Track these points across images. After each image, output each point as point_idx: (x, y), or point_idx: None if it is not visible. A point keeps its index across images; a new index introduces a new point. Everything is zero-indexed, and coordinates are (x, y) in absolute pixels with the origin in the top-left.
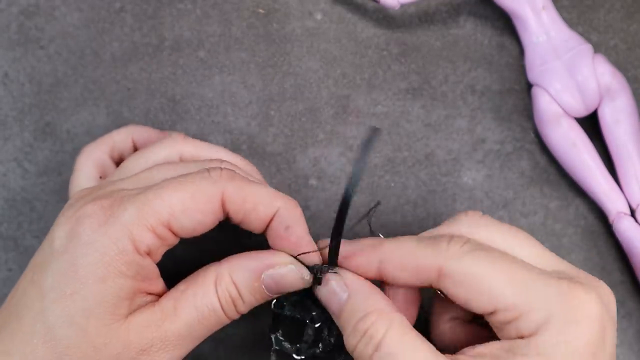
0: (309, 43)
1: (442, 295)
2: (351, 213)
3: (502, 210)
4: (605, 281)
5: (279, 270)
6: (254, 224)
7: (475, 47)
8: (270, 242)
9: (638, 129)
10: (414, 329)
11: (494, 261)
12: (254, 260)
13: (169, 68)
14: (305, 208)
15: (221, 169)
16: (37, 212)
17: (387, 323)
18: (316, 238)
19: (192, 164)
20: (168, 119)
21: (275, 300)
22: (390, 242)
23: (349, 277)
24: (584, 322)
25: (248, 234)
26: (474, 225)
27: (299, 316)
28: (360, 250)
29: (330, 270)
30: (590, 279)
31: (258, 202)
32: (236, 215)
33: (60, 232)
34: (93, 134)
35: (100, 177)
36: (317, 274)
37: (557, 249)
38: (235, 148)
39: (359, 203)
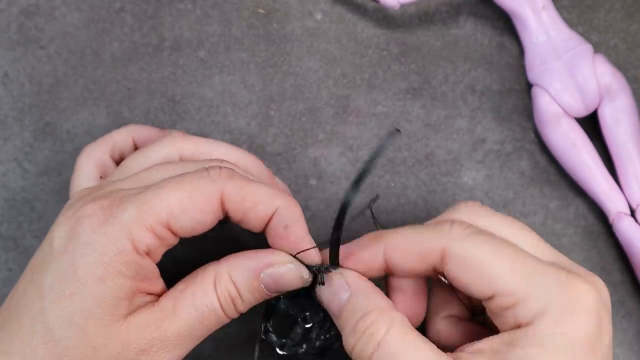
0: (309, 43)
1: (444, 281)
2: (352, 212)
3: (502, 210)
4: (605, 281)
5: (278, 269)
6: (253, 222)
7: (475, 47)
8: (270, 241)
9: (638, 129)
10: (414, 329)
11: (496, 246)
12: (253, 260)
13: (169, 68)
14: (305, 208)
15: (220, 167)
16: (37, 212)
17: (388, 322)
18: (316, 238)
19: (192, 163)
20: (168, 119)
21: None
22: (393, 231)
23: (350, 276)
24: (582, 313)
25: (248, 233)
26: (474, 214)
27: (292, 312)
28: (363, 245)
29: (332, 270)
30: (586, 272)
31: (257, 200)
32: (235, 214)
33: (59, 232)
34: (93, 134)
35: (101, 177)
36: (317, 273)
37: (557, 249)
38: None
39: (359, 202)
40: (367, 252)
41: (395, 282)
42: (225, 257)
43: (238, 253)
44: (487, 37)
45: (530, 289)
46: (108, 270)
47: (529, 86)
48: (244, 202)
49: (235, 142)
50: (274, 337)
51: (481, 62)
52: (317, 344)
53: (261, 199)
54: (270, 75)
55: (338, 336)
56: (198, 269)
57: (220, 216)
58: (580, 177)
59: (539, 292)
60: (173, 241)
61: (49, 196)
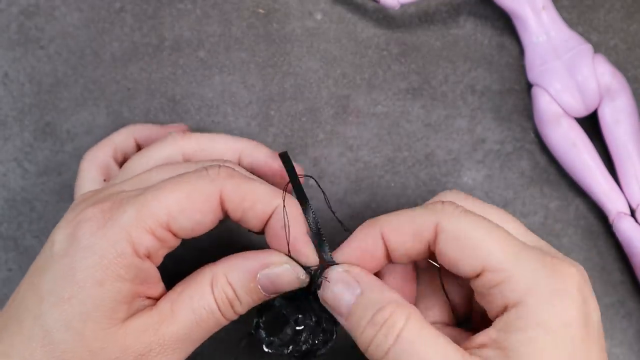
0: (309, 43)
1: (436, 265)
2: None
3: None
4: (605, 281)
5: (275, 269)
6: (252, 222)
7: (475, 47)
8: (268, 241)
9: (638, 129)
10: (428, 322)
11: (486, 226)
12: (250, 260)
13: (169, 68)
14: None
15: (219, 167)
16: (37, 212)
17: (405, 314)
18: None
19: (193, 163)
20: (168, 119)
21: None
22: (387, 214)
23: (358, 272)
24: (570, 294)
25: (251, 233)
26: (460, 200)
27: (285, 312)
28: (360, 235)
29: (332, 266)
30: (568, 259)
31: (256, 200)
32: (235, 214)
33: (60, 235)
34: (93, 134)
35: (105, 180)
36: (314, 273)
37: (557, 249)
38: None
39: (358, 202)
40: (366, 240)
41: (385, 268)
42: (222, 259)
43: (235, 254)
44: (487, 37)
45: (517, 268)
46: (107, 273)
47: (529, 86)
48: (243, 202)
49: None
50: (263, 334)
51: (481, 62)
52: (303, 347)
53: (260, 198)
54: (270, 75)
55: (325, 343)
56: (195, 271)
57: (220, 216)
58: (580, 177)
59: (526, 271)
60: (174, 243)
61: (49, 196)
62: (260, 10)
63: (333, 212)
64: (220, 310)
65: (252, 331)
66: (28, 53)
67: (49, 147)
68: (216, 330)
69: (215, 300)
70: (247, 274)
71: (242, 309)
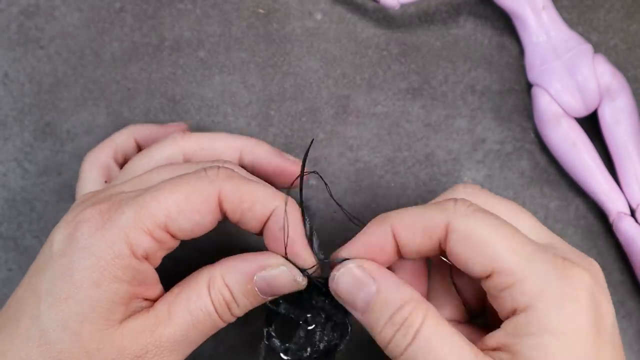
0: (309, 43)
1: (447, 261)
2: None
3: None
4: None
5: (271, 271)
6: (251, 223)
7: (475, 47)
8: (266, 243)
9: (638, 129)
10: (445, 319)
11: (497, 225)
12: (247, 262)
13: (169, 68)
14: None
15: (219, 167)
16: (37, 212)
17: (423, 312)
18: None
19: (194, 164)
20: (168, 119)
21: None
22: (398, 210)
23: (373, 268)
24: (580, 298)
25: (251, 235)
26: (473, 195)
27: (292, 316)
28: (370, 230)
29: (344, 261)
30: (582, 256)
31: (255, 201)
32: (233, 215)
33: (59, 236)
34: (93, 134)
35: (106, 181)
36: (310, 277)
37: None
38: None
39: (359, 202)
40: (376, 235)
41: (396, 263)
42: (220, 260)
43: (233, 256)
44: (487, 37)
45: (528, 271)
46: (104, 274)
47: (529, 86)
48: (241, 203)
49: None
50: (277, 342)
51: (481, 62)
52: (321, 346)
53: (258, 200)
54: (270, 75)
55: (342, 337)
56: (193, 273)
57: (219, 217)
58: (580, 177)
59: (536, 274)
60: (173, 244)
61: (49, 196)
62: (260, 10)
63: (340, 206)
64: (217, 312)
65: (266, 341)
66: (28, 53)
67: (49, 147)
68: (213, 332)
69: (212, 302)
70: (244, 275)
71: (239, 311)
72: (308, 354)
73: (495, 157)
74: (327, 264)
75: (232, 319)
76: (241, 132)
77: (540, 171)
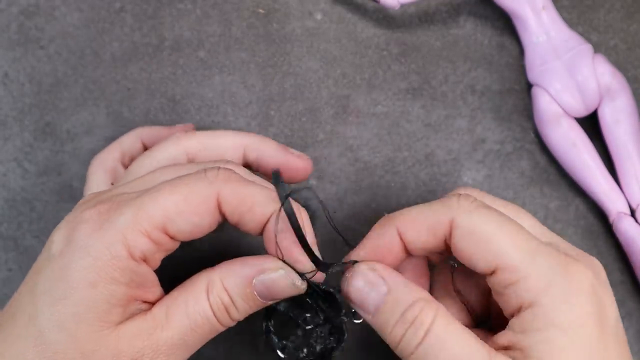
0: (309, 43)
1: (452, 264)
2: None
3: None
4: None
5: (270, 275)
6: (250, 225)
7: (475, 47)
8: (265, 246)
9: (638, 129)
10: (455, 318)
11: (501, 222)
12: (246, 266)
13: (169, 68)
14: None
15: (219, 168)
16: (37, 212)
17: (434, 310)
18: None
19: (195, 165)
20: (168, 119)
21: None
22: (402, 210)
23: (381, 269)
24: (582, 293)
25: (253, 238)
26: (477, 196)
27: (291, 315)
28: (375, 233)
29: (357, 263)
30: (584, 254)
31: (254, 203)
32: (232, 217)
33: (58, 236)
34: (93, 134)
35: (112, 184)
36: (309, 280)
37: None
38: None
39: (358, 202)
40: (383, 236)
41: (399, 270)
42: (219, 264)
43: (232, 259)
44: (487, 37)
45: (531, 267)
46: (100, 275)
47: (529, 86)
48: (240, 205)
49: None
50: (275, 339)
51: (481, 62)
52: (318, 348)
53: (257, 202)
54: (270, 75)
55: (339, 342)
56: (193, 276)
57: (218, 219)
58: (580, 177)
59: (540, 270)
60: (171, 246)
61: (49, 196)
62: (260, 10)
63: (335, 228)
64: (215, 316)
65: (265, 336)
66: (28, 53)
67: (49, 147)
68: (212, 336)
69: (211, 306)
70: (243, 279)
71: (238, 316)
72: (304, 354)
73: (495, 157)
74: (327, 267)
75: (232, 323)
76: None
77: (540, 171)
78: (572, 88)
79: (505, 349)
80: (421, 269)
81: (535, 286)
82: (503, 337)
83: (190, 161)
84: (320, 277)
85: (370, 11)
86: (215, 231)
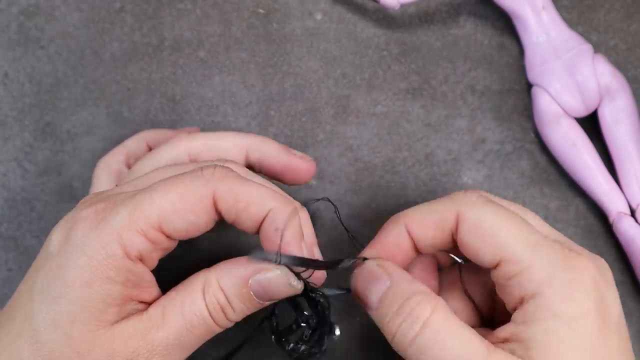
0: (309, 43)
1: (459, 261)
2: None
3: None
4: None
5: (265, 275)
6: (246, 224)
7: (475, 47)
8: (262, 245)
9: (638, 129)
10: (454, 314)
11: (506, 216)
12: (242, 266)
13: (169, 68)
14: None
15: (215, 166)
16: (37, 212)
17: (433, 304)
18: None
19: (193, 164)
20: (168, 119)
21: None
22: (410, 208)
23: (387, 265)
24: (585, 286)
25: (256, 239)
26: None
27: (294, 307)
28: (385, 231)
29: (367, 260)
30: (588, 252)
31: (250, 201)
32: (228, 215)
33: (56, 235)
34: (93, 134)
35: (116, 186)
36: (305, 280)
37: None
38: None
39: (359, 202)
40: (392, 234)
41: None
42: (216, 265)
43: (230, 260)
44: (487, 37)
45: (535, 259)
46: (96, 274)
47: (529, 86)
48: (236, 203)
49: None
50: (274, 321)
51: (481, 62)
52: (302, 348)
53: (254, 200)
54: (270, 75)
55: (319, 350)
56: (190, 277)
57: (214, 217)
58: (580, 177)
59: (543, 262)
60: (168, 245)
61: (49, 196)
62: (260, 10)
63: (347, 231)
64: (211, 317)
65: (272, 314)
66: (28, 53)
67: (49, 147)
68: (209, 337)
69: (207, 306)
70: (240, 279)
71: (235, 317)
72: (289, 347)
73: (495, 157)
74: (336, 264)
75: (229, 324)
76: (241, 132)
77: (540, 171)
78: (572, 88)
79: (506, 341)
80: (430, 268)
81: (538, 277)
82: (504, 330)
83: (192, 162)
84: (321, 276)
85: (370, 11)
86: (212, 230)
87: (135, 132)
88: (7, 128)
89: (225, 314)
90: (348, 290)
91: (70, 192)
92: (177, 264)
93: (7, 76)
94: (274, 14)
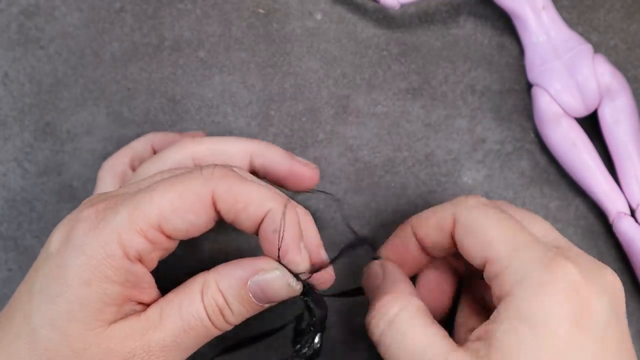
0: (309, 43)
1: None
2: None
3: None
4: None
5: (264, 276)
6: (245, 224)
7: (475, 47)
8: (261, 246)
9: (638, 129)
10: (430, 316)
11: (499, 218)
12: (241, 267)
13: (169, 68)
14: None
15: (215, 166)
16: (37, 212)
17: (403, 304)
18: None
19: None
20: (168, 119)
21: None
22: (418, 213)
23: (387, 265)
24: (560, 289)
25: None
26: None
27: (309, 306)
28: (395, 234)
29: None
30: (597, 265)
31: (249, 202)
32: (227, 215)
33: (57, 235)
34: (93, 134)
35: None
36: (304, 281)
37: None
38: None
39: (359, 202)
40: (400, 236)
41: (420, 276)
42: (215, 267)
43: (229, 262)
44: (487, 37)
45: (513, 260)
46: (94, 273)
47: (529, 86)
48: (235, 203)
49: None
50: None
51: (481, 62)
52: (296, 350)
53: (253, 200)
54: (270, 75)
55: (315, 352)
56: (189, 279)
57: (214, 217)
58: (580, 177)
59: (520, 263)
60: (168, 245)
61: (49, 196)
62: (260, 10)
63: (354, 231)
64: (209, 319)
65: (301, 313)
66: (28, 53)
67: (49, 147)
68: (207, 339)
69: (205, 308)
70: (238, 281)
71: (234, 319)
72: (297, 348)
73: (495, 157)
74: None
75: (227, 327)
76: (241, 132)
77: (540, 171)
78: (572, 88)
79: (478, 340)
80: (445, 275)
81: (512, 278)
82: (480, 329)
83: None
84: (330, 278)
85: (370, 11)
86: (212, 231)
87: (135, 132)
88: (7, 128)
89: (223, 316)
90: (347, 292)
91: (70, 192)
92: (177, 267)
93: (7, 76)
94: (274, 14)
